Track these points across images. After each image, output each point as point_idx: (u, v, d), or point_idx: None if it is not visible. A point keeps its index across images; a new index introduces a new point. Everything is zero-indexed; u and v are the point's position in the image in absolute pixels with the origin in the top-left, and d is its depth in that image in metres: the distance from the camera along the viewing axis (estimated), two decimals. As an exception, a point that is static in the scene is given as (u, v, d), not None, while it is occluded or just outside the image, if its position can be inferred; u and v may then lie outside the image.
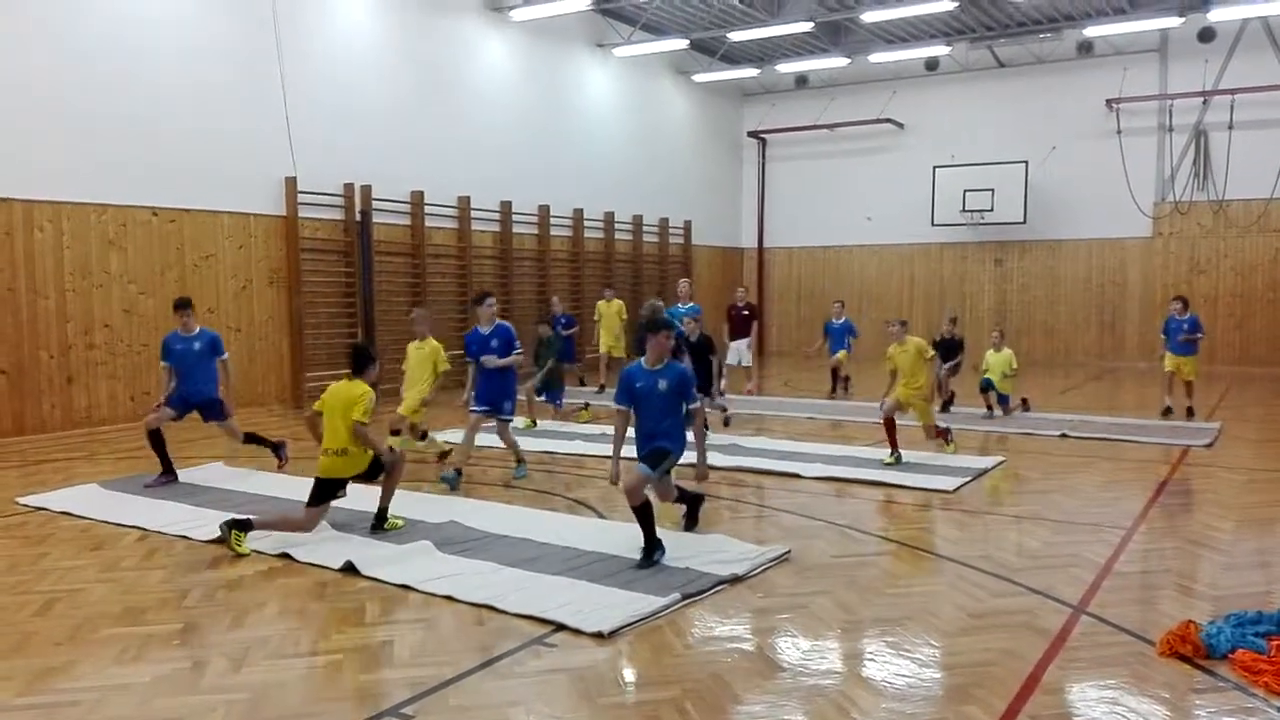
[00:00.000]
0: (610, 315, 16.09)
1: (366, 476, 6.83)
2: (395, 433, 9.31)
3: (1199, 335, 12.79)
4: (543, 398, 12.76)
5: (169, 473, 8.70)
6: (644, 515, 6.16)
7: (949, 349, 13.58)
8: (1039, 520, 7.46)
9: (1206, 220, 20.23)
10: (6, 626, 5.16)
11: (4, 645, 4.89)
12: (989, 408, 12.95)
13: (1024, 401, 13.32)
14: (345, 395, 6.65)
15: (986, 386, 12.97)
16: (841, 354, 15.76)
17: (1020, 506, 8.12)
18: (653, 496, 6.40)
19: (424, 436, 9.78)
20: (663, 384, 6.26)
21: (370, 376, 6.87)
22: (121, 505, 7.80)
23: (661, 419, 6.29)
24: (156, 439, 8.67)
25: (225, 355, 9.06)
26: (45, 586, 5.83)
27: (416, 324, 9.50)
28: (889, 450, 9.69)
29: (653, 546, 6.15)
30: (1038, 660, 4.60)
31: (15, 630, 5.10)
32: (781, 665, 4.61)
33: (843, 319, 16.04)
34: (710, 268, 24.12)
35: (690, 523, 6.95)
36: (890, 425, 9.83)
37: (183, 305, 8.93)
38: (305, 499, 6.73)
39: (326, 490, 6.68)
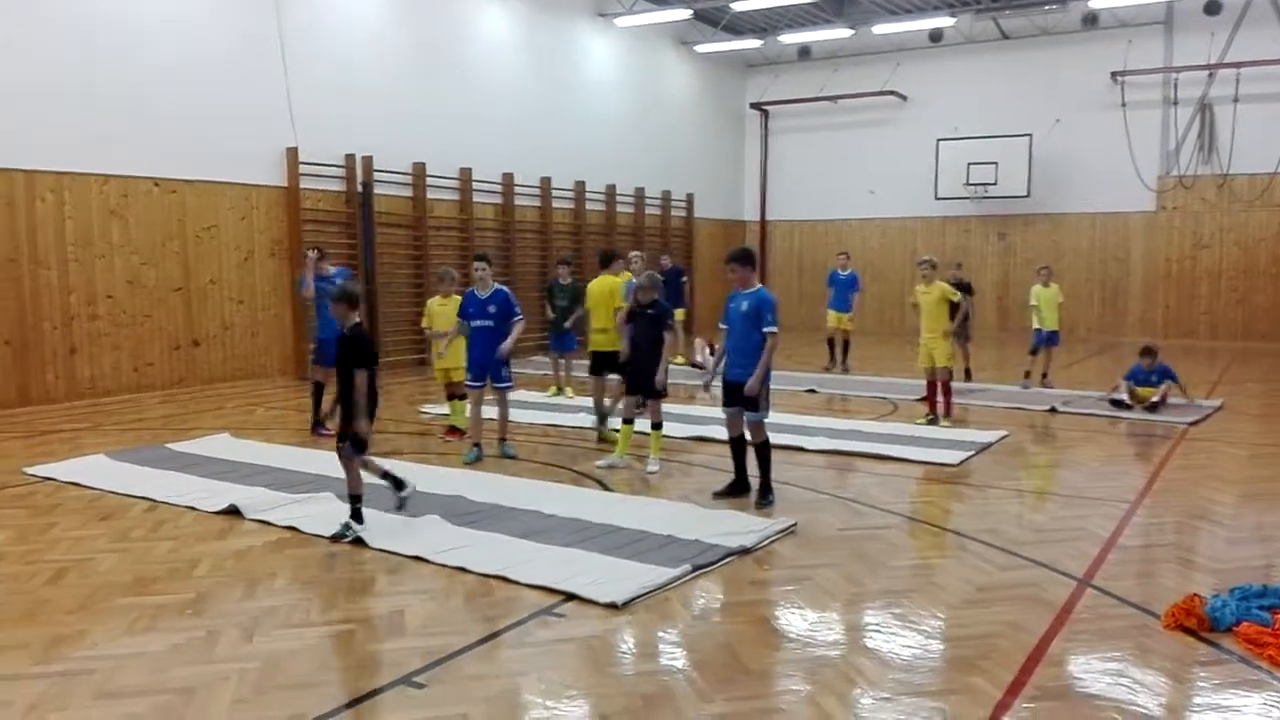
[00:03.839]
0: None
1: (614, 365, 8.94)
2: (459, 396, 9.36)
3: (1165, 385, 11.53)
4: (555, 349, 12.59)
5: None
6: (763, 454, 6.98)
7: (958, 290, 13.46)
8: (1043, 494, 7.50)
9: (1210, 195, 20.16)
10: (18, 595, 5.19)
11: (16, 613, 4.92)
12: (1027, 375, 13.28)
13: (1043, 376, 13.22)
14: (607, 286, 9.40)
15: (1036, 348, 13.28)
16: (845, 316, 15.36)
17: (1024, 480, 8.16)
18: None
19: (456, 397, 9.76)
20: (745, 305, 6.92)
21: (616, 269, 9.53)
22: (129, 476, 7.83)
23: (743, 339, 6.94)
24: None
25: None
26: (55, 556, 5.86)
27: (443, 282, 9.44)
28: (927, 411, 10.56)
29: (768, 488, 6.97)
30: (1043, 633, 4.63)
31: (27, 599, 5.13)
32: (789, 636, 4.66)
33: (848, 270, 15.74)
34: (712, 240, 24.04)
35: (761, 500, 7.01)
36: (932, 387, 10.53)
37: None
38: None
39: (599, 363, 9.33)
